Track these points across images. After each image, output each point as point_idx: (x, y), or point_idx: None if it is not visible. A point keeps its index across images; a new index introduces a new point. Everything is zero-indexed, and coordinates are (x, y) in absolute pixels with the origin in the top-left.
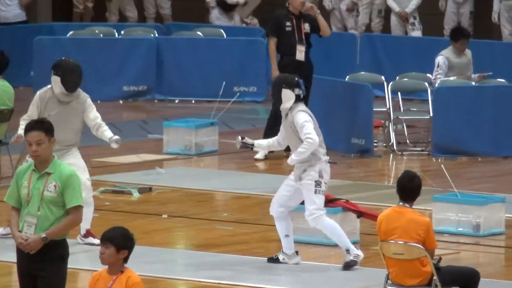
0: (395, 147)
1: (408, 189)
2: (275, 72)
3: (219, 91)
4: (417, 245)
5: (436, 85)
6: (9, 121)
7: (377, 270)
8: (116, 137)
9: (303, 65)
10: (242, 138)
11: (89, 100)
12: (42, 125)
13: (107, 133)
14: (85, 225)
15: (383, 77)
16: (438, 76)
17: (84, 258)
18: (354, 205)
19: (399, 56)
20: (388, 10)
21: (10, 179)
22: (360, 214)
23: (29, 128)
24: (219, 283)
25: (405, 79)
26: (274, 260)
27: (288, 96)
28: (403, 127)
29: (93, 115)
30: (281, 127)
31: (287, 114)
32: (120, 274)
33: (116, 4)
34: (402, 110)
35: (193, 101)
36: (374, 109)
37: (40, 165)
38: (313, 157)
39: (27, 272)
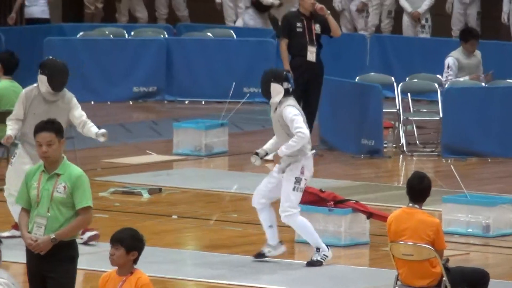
0: (405, 148)
1: (418, 190)
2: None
3: (229, 92)
4: (427, 246)
5: (446, 86)
6: None
7: (387, 271)
8: (102, 130)
9: (314, 66)
10: (256, 154)
11: (74, 99)
12: (52, 126)
13: (93, 128)
14: None
15: (393, 78)
16: (449, 77)
17: (93, 259)
18: (364, 206)
19: (408, 57)
20: (398, 11)
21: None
22: (369, 215)
23: (39, 129)
24: (228, 284)
25: (415, 80)
26: (260, 255)
27: (277, 90)
28: (413, 128)
29: (78, 113)
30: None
31: (276, 108)
32: (130, 275)
33: (126, 5)
34: (411, 111)
35: (203, 102)
36: (384, 110)
37: (50, 166)
38: (299, 152)
39: (37, 273)
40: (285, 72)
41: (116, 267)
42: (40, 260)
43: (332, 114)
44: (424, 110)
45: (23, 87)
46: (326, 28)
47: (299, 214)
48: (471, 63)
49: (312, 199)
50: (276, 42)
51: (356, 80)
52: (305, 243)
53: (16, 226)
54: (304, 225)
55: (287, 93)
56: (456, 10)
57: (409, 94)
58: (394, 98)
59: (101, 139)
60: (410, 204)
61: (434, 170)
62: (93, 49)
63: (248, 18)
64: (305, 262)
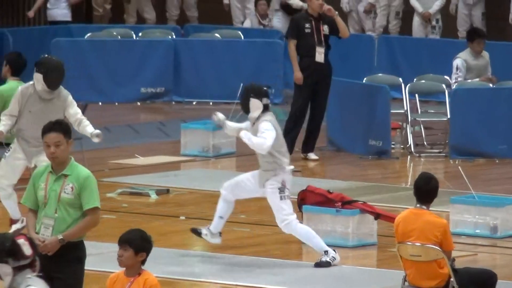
0: (412, 149)
1: (425, 191)
2: (298, 74)
3: (237, 92)
4: (434, 246)
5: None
6: None
7: (394, 271)
8: (97, 131)
9: (323, 67)
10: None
11: (70, 97)
12: (60, 127)
13: (88, 128)
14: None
15: (400, 79)
16: (459, 79)
17: (101, 260)
18: (371, 207)
19: (416, 58)
20: (405, 12)
21: (28, 181)
22: (377, 216)
23: (47, 129)
24: (236, 285)
25: (423, 81)
26: (196, 231)
27: (256, 106)
28: (421, 128)
29: (74, 110)
30: (246, 126)
31: (253, 124)
32: (138, 276)
33: (134, 6)
34: (419, 112)
35: (211, 103)
36: (391, 111)
37: (58, 167)
38: (277, 166)
39: (44, 273)
40: (265, 88)
41: (124, 268)
42: (47, 261)
43: (340, 115)
44: (432, 111)
45: None
46: (334, 29)
47: (297, 221)
48: (479, 64)
49: (320, 200)
50: (283, 43)
51: (364, 81)
52: None
53: (13, 221)
54: (306, 231)
55: (266, 108)
56: (461, 11)
57: (416, 95)
58: (402, 99)
59: (96, 140)
60: (418, 205)
61: (441, 171)
62: (100, 50)
63: (277, 21)
64: (313, 263)
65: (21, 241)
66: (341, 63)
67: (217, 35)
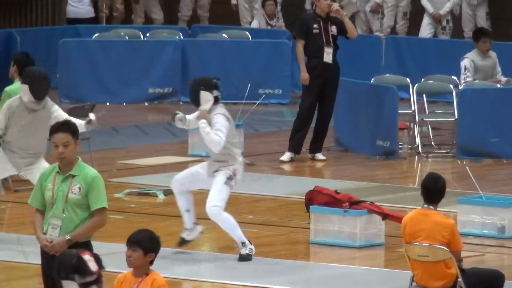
0: (420, 149)
1: (433, 191)
2: (305, 74)
3: (244, 93)
4: (442, 247)
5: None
6: None
7: (402, 272)
8: (90, 117)
9: (331, 67)
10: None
11: (55, 106)
12: (68, 127)
13: (77, 121)
14: None
15: (408, 79)
16: (468, 79)
17: (108, 260)
18: (379, 207)
19: (424, 58)
20: (413, 12)
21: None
22: (384, 216)
23: (55, 130)
24: (244, 285)
25: (430, 81)
26: (182, 243)
27: (206, 98)
28: (428, 129)
29: (59, 113)
30: (192, 117)
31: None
32: (146, 277)
33: (142, 6)
34: (427, 112)
35: None
36: (399, 111)
37: (65, 167)
38: (229, 158)
39: (52, 274)
40: (214, 80)
41: (132, 269)
42: (55, 261)
43: (348, 115)
44: (440, 111)
45: None
46: (342, 30)
47: (223, 210)
48: (486, 65)
49: (327, 200)
50: (291, 43)
51: (372, 81)
52: (321, 244)
53: None
54: (229, 220)
55: (216, 101)
56: (465, 11)
57: (424, 95)
58: (410, 99)
59: (89, 128)
60: (425, 205)
61: (449, 171)
62: (108, 50)
63: None
64: (320, 263)
65: (87, 257)
66: (349, 63)
67: (224, 35)
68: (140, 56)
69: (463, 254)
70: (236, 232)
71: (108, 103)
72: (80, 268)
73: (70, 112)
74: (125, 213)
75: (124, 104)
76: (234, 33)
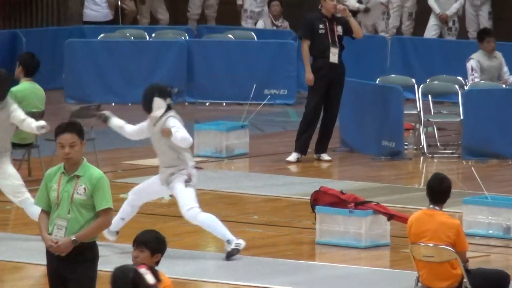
0: (425, 150)
1: (438, 191)
2: (309, 75)
3: (250, 93)
4: (447, 247)
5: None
6: None
7: (407, 272)
8: (40, 123)
9: (336, 68)
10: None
11: (14, 105)
12: (74, 128)
13: (33, 124)
14: None
15: (413, 80)
16: (475, 79)
17: (114, 261)
18: (385, 208)
19: (429, 59)
20: (418, 13)
21: (41, 182)
22: (390, 216)
23: (61, 130)
24: (249, 286)
25: (436, 82)
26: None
27: (159, 105)
28: (434, 129)
29: (18, 113)
30: (143, 126)
31: (156, 123)
32: None
33: (148, 7)
34: (432, 112)
35: (224, 104)
36: (404, 112)
37: (70, 168)
38: (180, 162)
39: (57, 274)
40: (169, 88)
41: None
42: (60, 262)
43: (353, 115)
44: (445, 111)
45: (44, 89)
46: (348, 30)
47: (200, 210)
48: (492, 65)
49: (333, 201)
50: (296, 44)
51: (377, 82)
52: (326, 244)
53: None
54: (210, 219)
55: (168, 108)
56: (468, 11)
57: (429, 96)
58: (415, 100)
59: (42, 131)
60: (431, 206)
61: (454, 172)
62: (114, 51)
63: None
64: (327, 264)
65: (143, 270)
66: (354, 64)
67: (230, 36)
68: (146, 57)
69: (468, 254)
70: (219, 230)
71: (113, 104)
72: (137, 282)
73: (75, 113)
74: None
75: (130, 104)
76: (240, 34)
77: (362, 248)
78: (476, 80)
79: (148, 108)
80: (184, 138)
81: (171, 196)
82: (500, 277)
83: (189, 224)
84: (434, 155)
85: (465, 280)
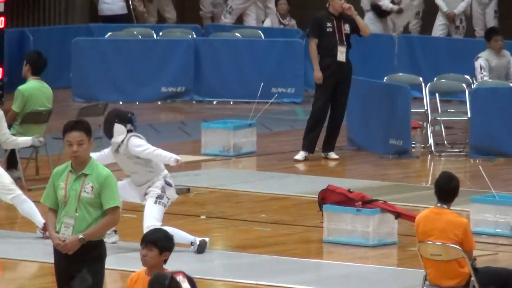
0: (433, 148)
1: (446, 190)
2: (318, 73)
3: (257, 92)
4: (455, 246)
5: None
6: (47, 122)
7: (415, 271)
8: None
9: (344, 66)
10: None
11: (1, 112)
12: (82, 126)
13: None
14: (41, 219)
15: (421, 78)
16: (485, 78)
17: (121, 259)
18: (392, 206)
19: (436, 57)
20: (425, 11)
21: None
22: (397, 215)
23: (69, 128)
24: (257, 284)
25: (443, 80)
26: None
27: (120, 131)
28: (441, 128)
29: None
30: (105, 153)
31: (118, 148)
32: None
33: (155, 5)
34: (439, 111)
35: (231, 102)
36: (412, 110)
37: (78, 166)
38: (153, 175)
39: (65, 272)
40: (129, 114)
41: (145, 267)
42: (68, 260)
43: (360, 114)
44: (452, 110)
45: (52, 87)
46: (355, 28)
47: (160, 227)
48: (500, 64)
49: (340, 199)
50: (304, 42)
51: (384, 80)
52: (334, 243)
53: None
54: (171, 231)
55: (129, 132)
56: (475, 10)
57: (437, 94)
58: (422, 98)
59: (38, 144)
60: (438, 204)
61: (462, 170)
62: (121, 49)
63: (367, 22)
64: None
65: (180, 278)
66: (362, 62)
67: (237, 34)
68: (153, 55)
69: (476, 253)
70: (180, 237)
71: (121, 102)
72: None
73: (83, 111)
74: (139, 212)
75: (137, 103)
76: (247, 32)
77: (370, 247)
78: (485, 78)
79: (109, 134)
80: (163, 155)
81: (178, 194)
82: (507, 275)
83: (197, 223)
84: (442, 154)
85: (472, 278)
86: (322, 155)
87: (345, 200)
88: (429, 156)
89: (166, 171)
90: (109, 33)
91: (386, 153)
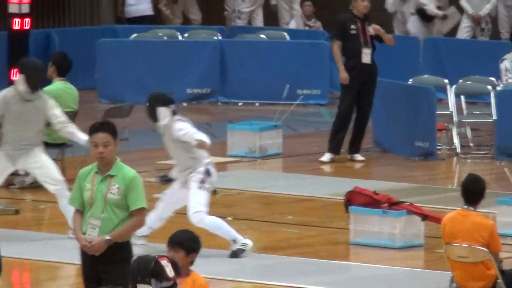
0: (458, 150)
1: (472, 192)
2: (344, 74)
3: (283, 93)
4: (482, 248)
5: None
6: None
7: (442, 273)
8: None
9: (369, 68)
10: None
11: (51, 100)
12: (108, 127)
13: (80, 134)
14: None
15: (446, 80)
16: (510, 80)
17: None
18: (418, 208)
19: (462, 59)
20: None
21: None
22: (424, 217)
23: (95, 129)
24: (284, 285)
25: (468, 82)
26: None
27: (164, 114)
28: (466, 130)
29: (59, 112)
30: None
31: (164, 131)
32: (186, 277)
33: (180, 6)
34: (465, 113)
35: (257, 104)
36: (437, 112)
37: (104, 168)
38: (195, 162)
39: (92, 274)
40: (169, 95)
41: None
42: (94, 261)
43: (386, 116)
44: (478, 112)
45: (77, 88)
46: (379, 37)
47: (207, 214)
48: None
49: (367, 201)
50: (329, 44)
51: (409, 82)
52: (361, 244)
53: None
54: (214, 222)
55: (173, 115)
56: (501, 12)
57: (462, 96)
58: (447, 100)
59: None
60: (465, 206)
61: (488, 172)
62: (146, 51)
63: (412, 26)
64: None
65: (164, 262)
66: (386, 64)
67: (262, 36)
68: (178, 57)
69: (502, 255)
70: (225, 232)
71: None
72: (158, 273)
73: (108, 112)
74: None
75: None
76: (272, 34)
77: (397, 249)
78: (510, 80)
79: (154, 118)
80: (201, 138)
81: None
82: None
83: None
84: (467, 156)
85: (499, 280)
86: (347, 157)
87: (372, 202)
88: (455, 158)
89: (209, 159)
90: (134, 35)
91: (411, 155)
